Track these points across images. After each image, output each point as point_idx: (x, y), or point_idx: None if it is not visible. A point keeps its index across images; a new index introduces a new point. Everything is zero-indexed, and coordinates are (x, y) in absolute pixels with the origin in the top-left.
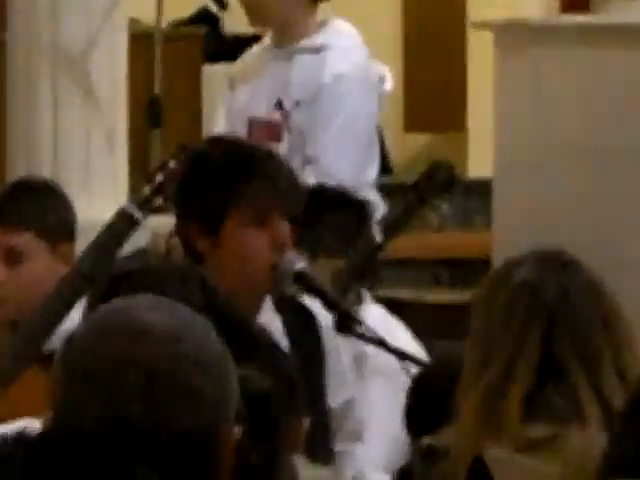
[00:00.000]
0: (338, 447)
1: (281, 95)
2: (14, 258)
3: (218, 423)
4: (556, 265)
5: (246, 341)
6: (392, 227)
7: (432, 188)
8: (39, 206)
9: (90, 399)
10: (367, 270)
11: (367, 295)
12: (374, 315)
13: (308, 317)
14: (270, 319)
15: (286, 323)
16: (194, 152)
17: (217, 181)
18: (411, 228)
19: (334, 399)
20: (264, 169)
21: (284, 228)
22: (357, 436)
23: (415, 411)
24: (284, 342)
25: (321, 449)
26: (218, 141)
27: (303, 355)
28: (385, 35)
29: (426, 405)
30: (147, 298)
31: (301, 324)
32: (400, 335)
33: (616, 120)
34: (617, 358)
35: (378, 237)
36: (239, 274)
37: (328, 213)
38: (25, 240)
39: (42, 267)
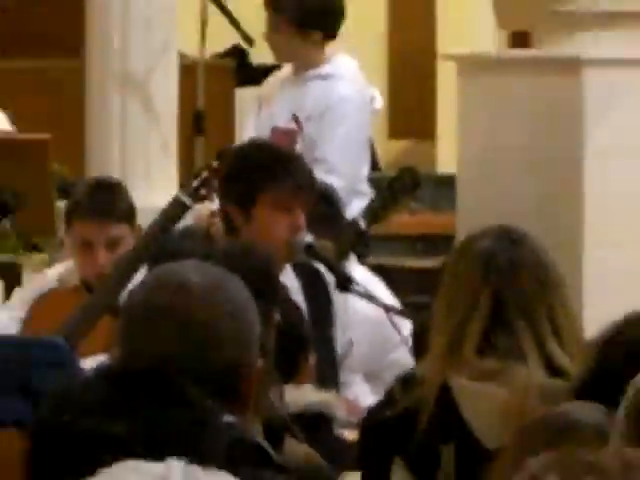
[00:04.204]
0: (342, 378)
1: (297, 111)
2: (114, 245)
3: (247, 358)
4: (507, 238)
5: (269, 296)
6: (372, 218)
7: (401, 189)
8: (126, 202)
9: (140, 341)
10: (356, 245)
11: (353, 258)
12: (359, 275)
13: (320, 279)
14: (290, 281)
15: (303, 284)
16: (237, 152)
17: (251, 175)
18: (387, 217)
19: (339, 342)
20: (287, 168)
21: (301, 215)
22: (354, 369)
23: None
24: (300, 298)
25: (329, 380)
26: (255, 144)
27: (316, 308)
28: (374, 64)
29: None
30: (190, 262)
31: (315, 284)
32: (380, 291)
33: (550, 134)
34: (552, 314)
35: (362, 223)
36: (263, 245)
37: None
38: (122, 231)
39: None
